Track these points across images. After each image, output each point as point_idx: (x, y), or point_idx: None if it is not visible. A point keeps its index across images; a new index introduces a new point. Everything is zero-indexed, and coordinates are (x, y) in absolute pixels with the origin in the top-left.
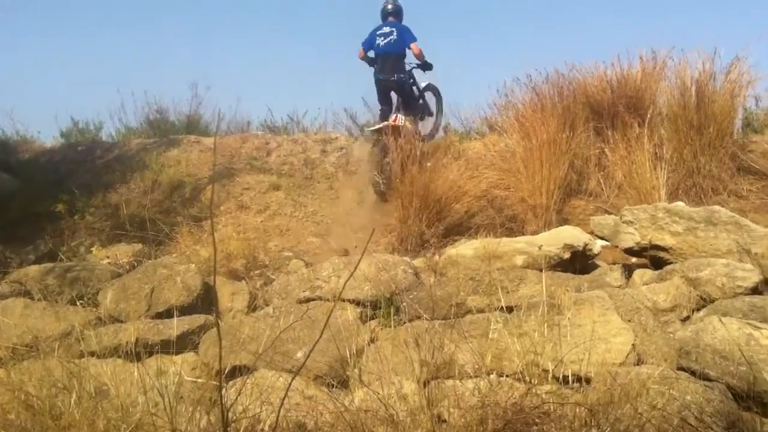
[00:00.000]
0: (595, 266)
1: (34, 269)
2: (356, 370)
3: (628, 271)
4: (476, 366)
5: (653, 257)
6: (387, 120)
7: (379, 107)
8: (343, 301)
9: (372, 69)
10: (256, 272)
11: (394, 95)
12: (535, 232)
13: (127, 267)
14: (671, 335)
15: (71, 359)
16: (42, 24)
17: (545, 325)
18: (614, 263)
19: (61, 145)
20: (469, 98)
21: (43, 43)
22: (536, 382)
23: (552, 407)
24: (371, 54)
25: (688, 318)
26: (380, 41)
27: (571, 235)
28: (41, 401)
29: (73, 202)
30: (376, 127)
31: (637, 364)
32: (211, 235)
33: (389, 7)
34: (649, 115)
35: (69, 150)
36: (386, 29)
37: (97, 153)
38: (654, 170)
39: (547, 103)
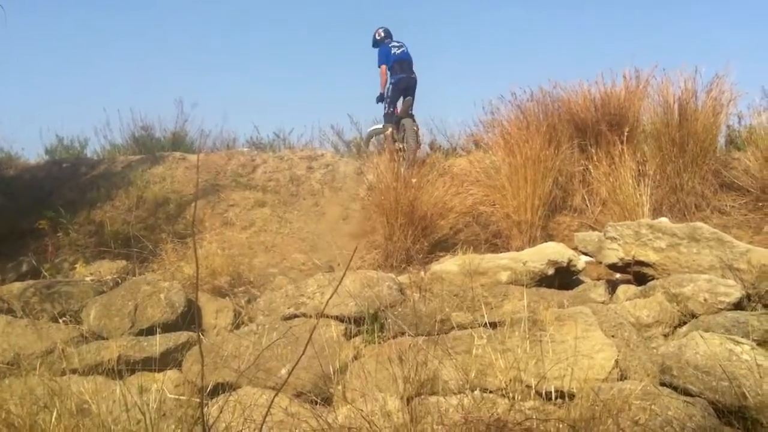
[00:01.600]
0: (580, 282)
1: (16, 286)
2: (340, 387)
3: (612, 286)
4: (460, 382)
5: (637, 273)
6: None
7: (390, 108)
8: (328, 317)
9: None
10: (241, 289)
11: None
12: (519, 248)
13: (111, 284)
14: (654, 351)
15: (53, 377)
16: (26, 41)
17: (528, 341)
18: (598, 279)
19: (46, 161)
20: (455, 114)
21: (27, 59)
22: (519, 398)
23: (535, 423)
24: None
25: (671, 333)
26: (395, 51)
27: (555, 251)
28: (22, 419)
29: (58, 219)
30: (388, 132)
31: (620, 380)
32: (194, 252)
33: (387, 29)
34: (631, 133)
35: (53, 167)
36: (396, 42)
37: (82, 170)
38: (638, 186)
39: (532, 120)
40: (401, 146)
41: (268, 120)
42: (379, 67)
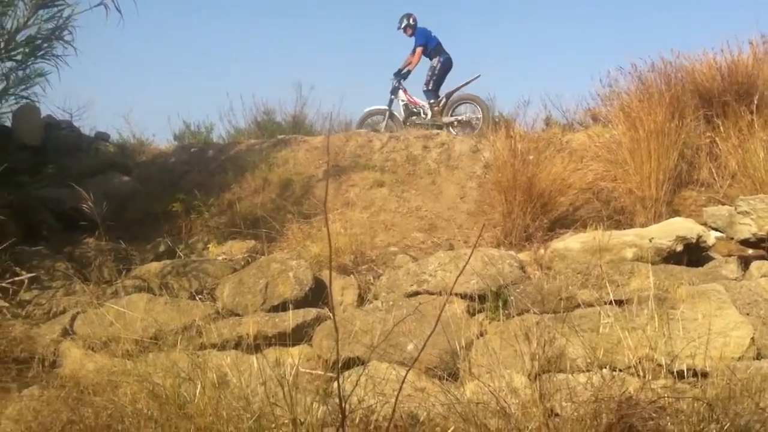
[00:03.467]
0: (709, 259)
1: (154, 266)
2: (466, 363)
3: (745, 263)
4: (588, 360)
5: None
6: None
7: (433, 86)
8: (450, 294)
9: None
10: (364, 267)
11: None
12: (643, 225)
13: (242, 263)
14: None
15: (193, 351)
16: (150, 29)
17: (658, 319)
18: (729, 255)
19: (175, 147)
20: (570, 88)
21: (151, 48)
22: (650, 376)
23: (668, 402)
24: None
25: None
26: (434, 35)
27: (683, 226)
28: (167, 391)
29: (189, 202)
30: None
31: (757, 359)
32: (327, 231)
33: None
34: (761, 102)
35: (182, 152)
36: (428, 28)
37: (209, 154)
38: None
39: (654, 92)
40: (454, 121)
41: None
42: (419, 47)
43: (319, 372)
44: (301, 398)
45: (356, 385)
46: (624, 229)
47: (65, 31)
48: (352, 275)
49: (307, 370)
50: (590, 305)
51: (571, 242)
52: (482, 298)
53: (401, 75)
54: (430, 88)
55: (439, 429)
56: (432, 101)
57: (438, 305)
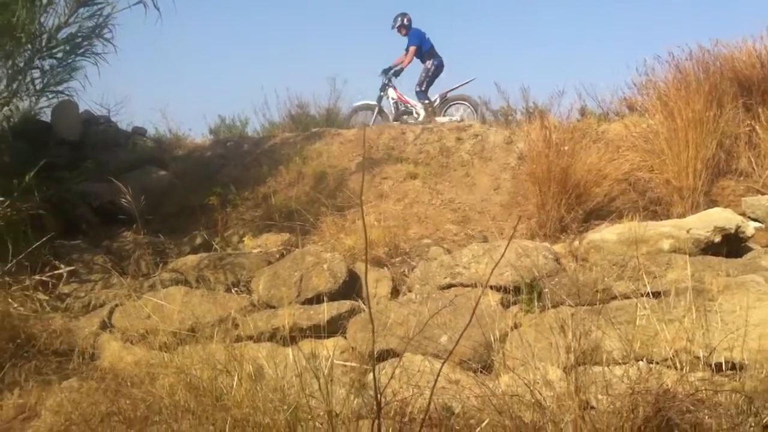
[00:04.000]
0: (748, 249)
1: (191, 259)
2: (500, 355)
3: None
4: (624, 352)
5: None
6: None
7: (426, 87)
8: (486, 287)
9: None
10: (397, 259)
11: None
12: (681, 215)
13: (277, 255)
14: None
15: (229, 343)
16: (186, 25)
17: (695, 310)
18: None
19: (211, 141)
20: (605, 78)
21: (187, 43)
22: (688, 369)
23: (706, 395)
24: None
25: None
26: (428, 37)
27: (721, 217)
28: (204, 383)
29: (225, 195)
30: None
31: None
32: (362, 223)
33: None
34: None
35: (218, 146)
36: (423, 30)
37: (244, 148)
38: None
39: (692, 80)
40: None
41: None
42: (413, 46)
43: (354, 364)
44: (335, 390)
45: (391, 377)
46: (661, 220)
47: (105, 29)
48: (385, 267)
49: (342, 362)
50: (626, 297)
51: (606, 233)
52: (516, 290)
53: (392, 72)
54: (423, 89)
55: (473, 421)
56: (426, 101)
57: (472, 297)
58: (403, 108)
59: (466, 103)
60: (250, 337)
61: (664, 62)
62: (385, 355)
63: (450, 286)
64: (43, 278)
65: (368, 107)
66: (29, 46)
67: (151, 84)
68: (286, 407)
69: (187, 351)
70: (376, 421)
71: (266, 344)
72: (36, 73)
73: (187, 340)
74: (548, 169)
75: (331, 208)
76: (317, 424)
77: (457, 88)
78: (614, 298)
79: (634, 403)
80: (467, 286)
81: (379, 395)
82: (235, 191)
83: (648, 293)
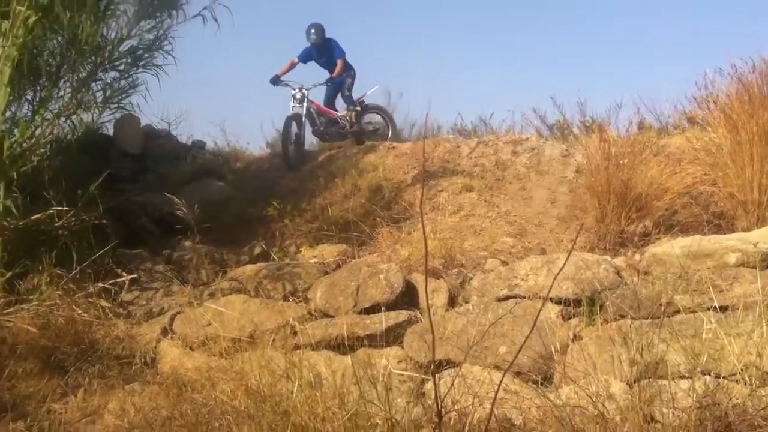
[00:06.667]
0: None
1: (249, 268)
2: (561, 367)
3: None
4: (689, 366)
5: None
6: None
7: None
8: (546, 299)
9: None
10: (454, 271)
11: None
12: (745, 229)
13: (333, 266)
14: None
15: (288, 350)
16: (242, 39)
17: (765, 325)
18: None
19: (268, 154)
20: (665, 92)
21: (244, 57)
22: (757, 384)
23: None
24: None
25: None
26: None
27: None
28: (264, 388)
29: (283, 207)
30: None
31: None
32: (421, 232)
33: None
34: None
35: (275, 158)
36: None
37: (300, 158)
38: None
39: (755, 93)
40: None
41: (468, 106)
42: (343, 55)
43: (412, 374)
44: (394, 399)
45: (451, 386)
46: (724, 233)
47: (165, 41)
48: (442, 279)
49: (399, 372)
50: (691, 311)
51: (669, 247)
52: (576, 303)
53: (323, 83)
54: (349, 95)
55: None
56: (353, 108)
57: (529, 309)
58: (324, 120)
59: (380, 112)
60: (308, 345)
61: (726, 75)
62: (442, 365)
63: (507, 297)
64: (106, 286)
65: (295, 118)
66: (93, 58)
67: (210, 98)
68: (345, 414)
69: (246, 357)
70: (437, 430)
71: (324, 352)
72: (98, 86)
73: (246, 347)
74: (608, 182)
75: (386, 219)
76: None
77: (365, 95)
78: (678, 311)
79: (702, 417)
80: (525, 297)
81: (440, 404)
82: (292, 203)
83: (714, 307)
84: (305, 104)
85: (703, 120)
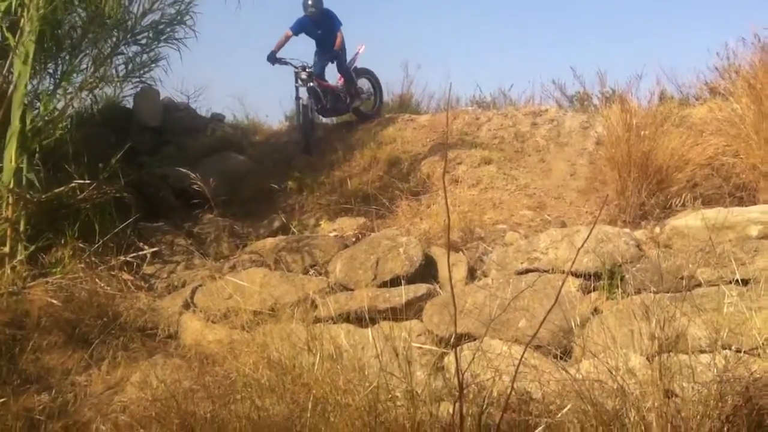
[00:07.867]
0: None
1: (269, 241)
2: (580, 341)
3: None
4: (710, 340)
5: None
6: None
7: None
8: (563, 272)
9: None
10: (472, 244)
11: None
12: None
13: (353, 239)
14: None
15: (308, 323)
16: (260, 15)
17: None
18: None
19: (287, 127)
20: (686, 62)
21: (263, 31)
22: None
23: None
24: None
25: None
26: None
27: None
28: (285, 361)
29: (302, 180)
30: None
31: None
32: (444, 205)
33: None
34: None
35: (294, 132)
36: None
37: (319, 133)
38: None
39: None
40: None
41: (487, 78)
42: (340, 30)
43: (432, 347)
44: (414, 372)
45: (472, 360)
46: (746, 206)
47: (186, 16)
48: (461, 252)
49: (419, 345)
50: (712, 284)
51: (690, 219)
52: (596, 276)
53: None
54: (347, 66)
55: (553, 407)
56: (352, 82)
57: (550, 283)
58: (330, 97)
59: (369, 76)
60: (329, 318)
61: (748, 44)
62: (461, 339)
63: (527, 271)
64: (128, 259)
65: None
66: (115, 32)
67: (230, 71)
68: (366, 386)
69: (268, 330)
70: (458, 402)
71: (344, 325)
72: (120, 60)
73: (267, 320)
74: (628, 154)
75: (405, 192)
76: (397, 404)
77: (355, 60)
78: (699, 285)
79: (722, 391)
80: (545, 271)
81: (461, 376)
82: (311, 176)
83: (736, 280)
84: (312, 84)
85: (725, 90)
